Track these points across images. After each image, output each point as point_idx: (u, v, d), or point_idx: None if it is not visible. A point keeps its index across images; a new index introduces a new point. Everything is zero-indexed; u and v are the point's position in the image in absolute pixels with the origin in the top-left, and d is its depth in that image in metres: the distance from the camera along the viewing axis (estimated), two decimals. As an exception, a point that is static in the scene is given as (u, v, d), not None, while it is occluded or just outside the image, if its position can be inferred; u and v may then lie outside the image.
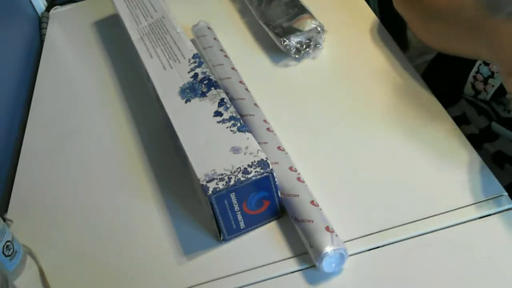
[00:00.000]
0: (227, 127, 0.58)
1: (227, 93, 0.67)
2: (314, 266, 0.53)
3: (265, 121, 0.64)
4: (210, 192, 0.52)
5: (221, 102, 0.61)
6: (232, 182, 0.53)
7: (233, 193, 0.53)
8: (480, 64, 0.63)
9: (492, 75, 0.62)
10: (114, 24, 0.92)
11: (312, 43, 0.75)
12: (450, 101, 0.70)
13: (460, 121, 0.62)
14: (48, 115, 0.81)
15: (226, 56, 0.75)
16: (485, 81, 0.63)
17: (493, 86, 0.62)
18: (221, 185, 0.52)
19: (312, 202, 0.55)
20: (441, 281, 0.50)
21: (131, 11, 0.81)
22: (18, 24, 0.97)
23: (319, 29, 0.74)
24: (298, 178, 0.57)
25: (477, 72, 0.64)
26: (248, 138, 0.57)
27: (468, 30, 0.56)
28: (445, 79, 0.68)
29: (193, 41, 0.79)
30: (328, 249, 0.50)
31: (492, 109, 0.68)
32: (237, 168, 0.54)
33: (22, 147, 0.76)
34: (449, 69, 0.69)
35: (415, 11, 0.64)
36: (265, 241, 0.56)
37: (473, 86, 0.65)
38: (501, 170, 0.66)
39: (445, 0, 0.59)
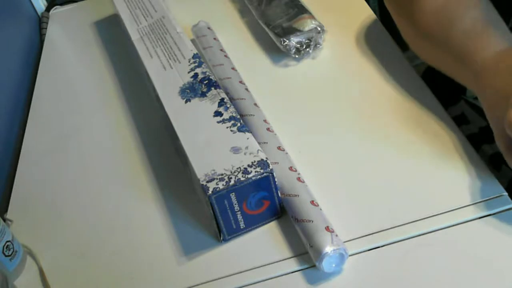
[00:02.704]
0: (227, 127, 0.58)
1: (227, 93, 0.67)
2: (314, 266, 0.53)
3: (265, 121, 0.65)
4: (210, 192, 0.52)
5: (221, 102, 0.61)
6: (232, 182, 0.53)
7: (233, 193, 0.53)
8: None
9: None
10: (114, 24, 0.92)
11: (312, 43, 0.75)
12: (450, 101, 0.70)
13: (460, 121, 0.61)
14: (48, 115, 0.81)
15: (226, 56, 0.75)
16: None
17: None
18: (221, 185, 0.52)
19: (312, 202, 0.55)
20: (441, 281, 0.50)
21: (131, 11, 0.81)
22: (18, 24, 0.97)
23: (319, 29, 0.74)
24: (298, 178, 0.57)
25: None
26: (248, 138, 0.57)
27: (455, 58, 0.56)
28: (445, 79, 0.68)
29: (193, 41, 0.79)
30: (328, 249, 0.50)
31: None
32: (237, 168, 0.54)
33: (22, 147, 0.76)
34: None
35: (407, 26, 0.64)
36: (265, 241, 0.57)
37: None
38: (498, 172, 0.65)
39: (433, 23, 0.59)
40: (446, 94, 0.66)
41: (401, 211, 0.55)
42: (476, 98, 0.69)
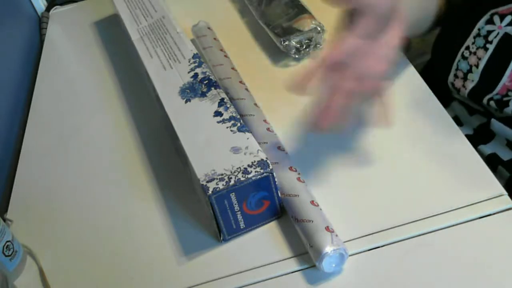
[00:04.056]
0: (227, 127, 0.58)
1: (227, 93, 0.67)
2: (314, 266, 0.53)
3: (265, 121, 0.65)
4: (210, 192, 0.52)
5: (221, 102, 0.61)
6: (232, 182, 0.53)
7: (233, 193, 0.53)
8: (458, 61, 0.64)
9: (470, 69, 0.63)
10: (114, 24, 0.92)
11: (312, 43, 0.75)
12: (442, 104, 0.70)
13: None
14: (48, 115, 0.81)
15: (226, 56, 0.75)
16: (465, 76, 0.64)
17: (472, 81, 0.63)
18: (221, 185, 0.52)
19: (312, 202, 0.55)
20: (441, 281, 0.50)
21: (131, 11, 0.81)
22: (18, 24, 0.97)
23: (319, 29, 0.74)
24: (298, 178, 0.57)
25: (457, 69, 0.65)
26: (248, 138, 0.57)
27: None
28: (434, 84, 0.69)
29: (193, 41, 0.79)
30: (328, 249, 0.50)
31: (484, 108, 0.68)
32: (237, 168, 0.54)
33: (22, 147, 0.76)
34: (436, 73, 0.69)
35: None
36: (265, 241, 0.57)
37: (453, 86, 0.66)
38: (495, 173, 0.66)
39: None
40: (438, 97, 0.67)
41: (401, 211, 0.55)
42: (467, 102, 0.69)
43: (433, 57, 0.72)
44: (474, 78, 0.63)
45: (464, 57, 0.63)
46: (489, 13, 0.62)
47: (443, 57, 0.67)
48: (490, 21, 0.61)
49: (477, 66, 0.62)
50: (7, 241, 0.58)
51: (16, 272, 0.59)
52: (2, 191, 0.73)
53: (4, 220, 0.62)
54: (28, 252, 0.61)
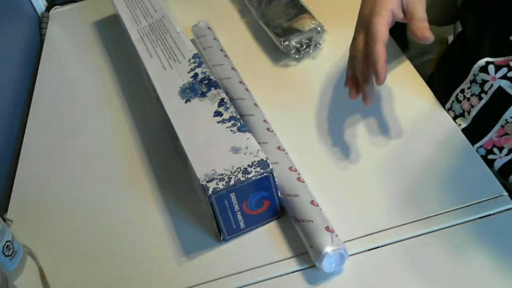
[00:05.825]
0: (227, 127, 0.58)
1: (227, 93, 0.67)
2: (314, 266, 0.53)
3: (265, 121, 0.65)
4: (210, 192, 0.52)
5: (221, 102, 0.61)
6: (232, 182, 0.53)
7: (233, 193, 0.53)
8: (453, 101, 0.63)
9: (462, 114, 0.62)
10: (114, 24, 0.92)
11: (312, 43, 0.75)
12: None
13: None
14: (48, 115, 0.81)
15: (226, 56, 0.75)
16: (455, 118, 0.63)
17: (459, 125, 0.62)
18: (221, 185, 0.52)
19: (312, 202, 0.55)
20: (441, 281, 0.50)
21: (131, 11, 0.81)
22: (18, 24, 0.97)
23: (319, 29, 0.74)
24: (298, 178, 0.57)
25: (450, 109, 0.64)
26: (248, 138, 0.57)
27: None
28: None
29: (193, 41, 0.79)
30: (328, 249, 0.50)
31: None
32: (237, 168, 0.54)
33: (22, 147, 0.76)
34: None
35: None
36: (265, 241, 0.57)
37: None
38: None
39: None
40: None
41: (401, 211, 0.55)
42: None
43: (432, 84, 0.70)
44: (464, 122, 0.62)
45: (458, 100, 0.63)
46: (485, 59, 0.59)
47: (441, 94, 0.66)
48: (484, 69, 0.59)
49: (469, 112, 0.61)
50: (7, 241, 0.58)
51: (16, 272, 0.59)
52: (2, 191, 0.73)
53: (4, 220, 0.62)
54: (28, 252, 0.61)
